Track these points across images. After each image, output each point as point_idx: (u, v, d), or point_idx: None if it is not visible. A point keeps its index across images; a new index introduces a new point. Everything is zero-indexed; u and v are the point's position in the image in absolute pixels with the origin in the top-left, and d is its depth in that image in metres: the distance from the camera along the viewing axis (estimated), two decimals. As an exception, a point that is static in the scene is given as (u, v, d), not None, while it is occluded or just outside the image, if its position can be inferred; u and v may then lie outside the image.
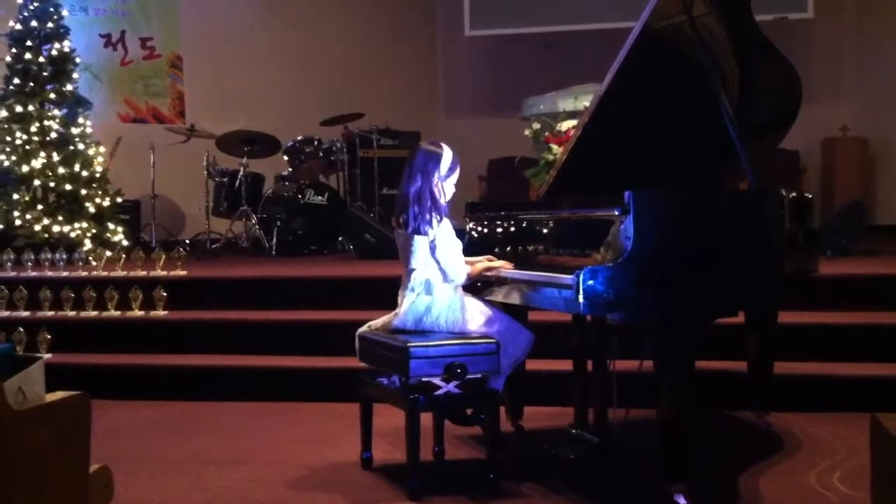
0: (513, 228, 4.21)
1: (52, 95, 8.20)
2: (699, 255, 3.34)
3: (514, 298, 3.92)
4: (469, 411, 3.98)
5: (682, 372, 3.31)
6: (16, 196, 7.95)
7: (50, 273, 6.52)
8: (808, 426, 4.40)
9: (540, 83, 8.64)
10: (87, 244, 7.82)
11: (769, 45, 4.11)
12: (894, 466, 2.50)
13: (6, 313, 6.02)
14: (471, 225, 4.42)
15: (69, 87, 8.34)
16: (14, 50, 8.23)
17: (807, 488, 3.59)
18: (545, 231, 4.03)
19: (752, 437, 4.35)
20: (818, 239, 4.90)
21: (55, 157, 8.05)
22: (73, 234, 7.89)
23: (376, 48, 10.66)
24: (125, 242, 8.12)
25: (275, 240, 8.35)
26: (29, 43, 8.19)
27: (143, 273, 6.38)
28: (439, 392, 3.67)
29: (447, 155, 3.91)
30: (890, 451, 2.53)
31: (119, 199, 8.52)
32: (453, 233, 3.88)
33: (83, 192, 8.13)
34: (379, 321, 3.98)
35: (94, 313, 6.01)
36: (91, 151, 8.33)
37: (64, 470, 2.70)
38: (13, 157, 8.00)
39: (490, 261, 3.97)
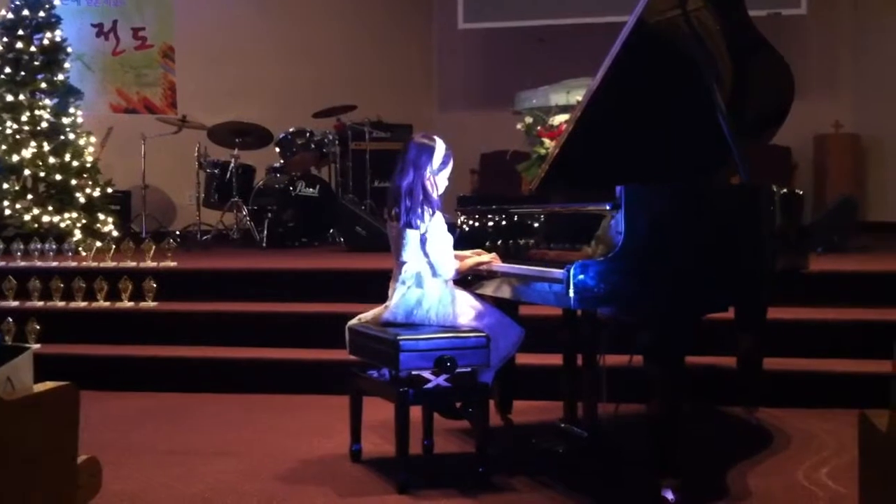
0: (504, 222, 4.20)
1: (43, 85, 8.15)
2: (690, 250, 3.34)
3: (505, 292, 3.92)
4: (458, 405, 3.99)
5: (673, 367, 3.31)
6: (5, 186, 7.91)
7: (39, 263, 6.49)
8: (798, 422, 4.41)
9: (533, 77, 8.63)
10: (77, 234, 7.79)
11: (762, 41, 4.11)
12: (882, 463, 2.50)
13: (-5, 303, 6.01)
14: (462, 218, 4.41)
15: (60, 77, 8.28)
16: (5, 39, 8.16)
17: (795, 484, 3.60)
18: (536, 225, 4.03)
19: (742, 432, 4.36)
20: (809, 235, 4.90)
21: (45, 146, 8.00)
22: (62, 225, 7.85)
23: (369, 40, 10.64)
24: (115, 233, 8.07)
25: (265, 231, 8.33)
26: (20, 32, 8.13)
27: (133, 264, 6.36)
28: (429, 385, 3.66)
29: (440, 148, 3.91)
30: (878, 448, 2.53)
31: (109, 190, 8.47)
32: (445, 227, 3.87)
33: (73, 182, 8.08)
34: (369, 314, 3.98)
35: (83, 304, 5.99)
36: (82, 141, 8.28)
37: (52, 461, 2.69)
38: (3, 147, 7.95)
39: (478, 255, 3.96)
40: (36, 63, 8.15)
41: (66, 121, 8.22)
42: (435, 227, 3.81)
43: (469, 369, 3.69)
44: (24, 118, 8.00)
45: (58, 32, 8.31)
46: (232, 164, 8.60)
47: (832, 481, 3.60)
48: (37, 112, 8.07)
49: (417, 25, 11.18)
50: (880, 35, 9.94)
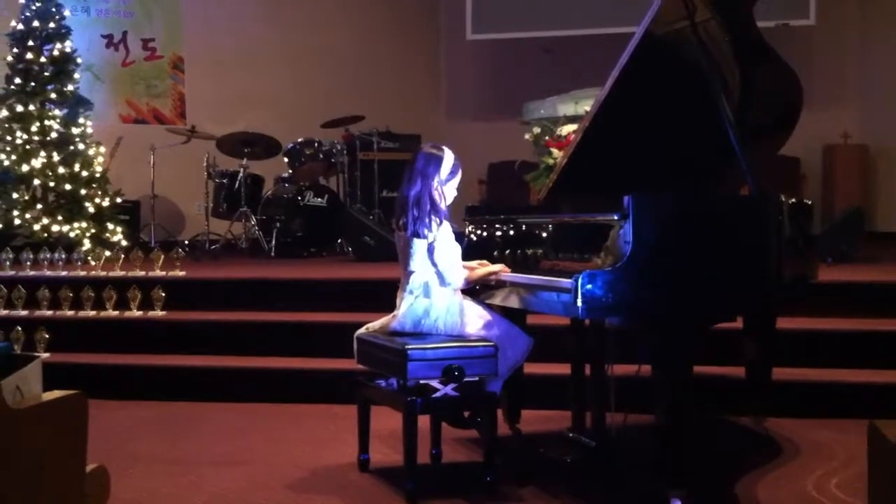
0: (512, 232, 4.21)
1: (53, 95, 8.18)
2: (698, 259, 3.34)
3: (513, 302, 3.92)
4: (466, 414, 3.98)
5: (681, 376, 3.31)
6: (15, 195, 7.93)
7: (48, 272, 6.51)
8: (807, 432, 4.40)
9: (541, 87, 8.64)
10: (86, 244, 7.81)
11: (771, 52, 4.11)
12: (891, 473, 2.50)
13: (4, 312, 6.01)
14: (470, 228, 4.42)
15: (70, 88, 8.32)
16: (15, 49, 8.20)
17: (804, 494, 3.59)
18: (544, 235, 4.03)
19: (751, 442, 4.35)
20: (817, 245, 4.89)
21: (55, 156, 8.03)
22: (72, 234, 7.88)
23: (378, 51, 10.67)
24: (124, 242, 8.10)
25: (274, 241, 8.35)
26: (30, 43, 8.17)
27: (142, 273, 6.38)
28: (437, 395, 3.66)
29: (448, 158, 3.91)
30: (887, 458, 2.53)
31: (119, 200, 8.49)
32: (453, 236, 3.87)
33: (83, 191, 8.11)
34: (377, 323, 3.98)
35: (92, 313, 6.00)
36: (91, 151, 8.31)
37: (60, 469, 2.70)
38: (13, 157, 7.98)
39: (482, 265, 3.96)
40: (46, 74, 8.18)
41: (75, 131, 8.25)
42: (443, 236, 3.82)
43: (477, 378, 3.69)
44: (33, 128, 8.03)
45: (68, 43, 8.34)
46: (241, 174, 8.62)
47: (842, 492, 3.59)
48: (46, 122, 8.10)
49: (425, 36, 11.20)
50: (888, 45, 9.92)
